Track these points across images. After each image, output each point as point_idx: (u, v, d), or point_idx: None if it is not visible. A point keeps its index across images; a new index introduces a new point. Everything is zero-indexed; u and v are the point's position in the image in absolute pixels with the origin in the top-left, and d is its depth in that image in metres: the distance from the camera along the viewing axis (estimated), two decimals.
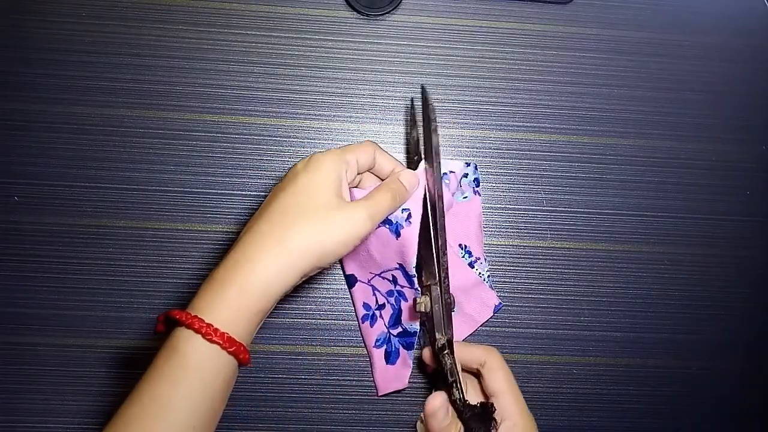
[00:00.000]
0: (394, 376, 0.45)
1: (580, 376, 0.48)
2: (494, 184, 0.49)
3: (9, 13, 0.48)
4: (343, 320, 0.47)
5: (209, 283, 0.35)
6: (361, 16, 0.50)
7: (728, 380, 0.49)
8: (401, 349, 0.45)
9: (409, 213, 0.41)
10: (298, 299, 0.47)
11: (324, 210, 0.36)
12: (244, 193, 0.47)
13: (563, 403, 0.47)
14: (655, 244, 0.49)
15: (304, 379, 0.46)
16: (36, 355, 0.45)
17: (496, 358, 0.41)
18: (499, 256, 0.48)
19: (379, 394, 0.46)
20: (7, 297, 0.45)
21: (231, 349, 0.33)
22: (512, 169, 0.49)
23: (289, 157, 0.48)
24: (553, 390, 0.47)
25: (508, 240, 0.48)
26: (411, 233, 0.41)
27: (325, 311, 0.47)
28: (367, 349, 0.46)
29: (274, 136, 0.48)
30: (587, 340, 0.48)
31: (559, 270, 0.48)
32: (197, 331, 0.33)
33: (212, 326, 0.33)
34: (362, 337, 0.46)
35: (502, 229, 0.48)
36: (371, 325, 0.46)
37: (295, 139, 0.48)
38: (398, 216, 0.41)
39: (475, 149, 0.49)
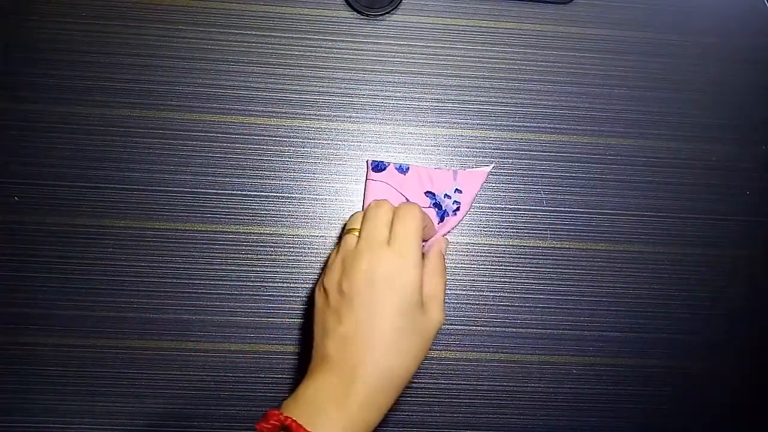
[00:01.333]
0: None
1: (580, 376, 0.48)
2: (494, 184, 0.49)
3: (9, 13, 0.48)
4: None
5: (326, 397, 0.36)
6: (361, 16, 0.50)
7: (728, 380, 0.49)
8: None
9: (459, 205, 0.47)
10: (298, 299, 0.47)
11: (411, 325, 0.38)
12: (244, 193, 0.47)
13: (563, 403, 0.47)
14: (655, 244, 0.49)
15: None
16: (36, 355, 0.45)
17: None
18: (499, 256, 0.48)
19: None
20: (7, 297, 0.45)
21: None
22: (512, 169, 0.49)
23: (289, 157, 0.48)
24: (553, 390, 0.47)
25: (508, 240, 0.48)
26: (452, 223, 0.47)
27: None
28: None
29: (274, 136, 0.48)
30: (587, 340, 0.48)
31: (559, 270, 0.48)
32: None
33: None
34: None
35: (502, 229, 0.48)
36: None
37: (295, 139, 0.48)
38: (448, 204, 0.47)
39: (475, 149, 0.49)
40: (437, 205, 0.47)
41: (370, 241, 0.39)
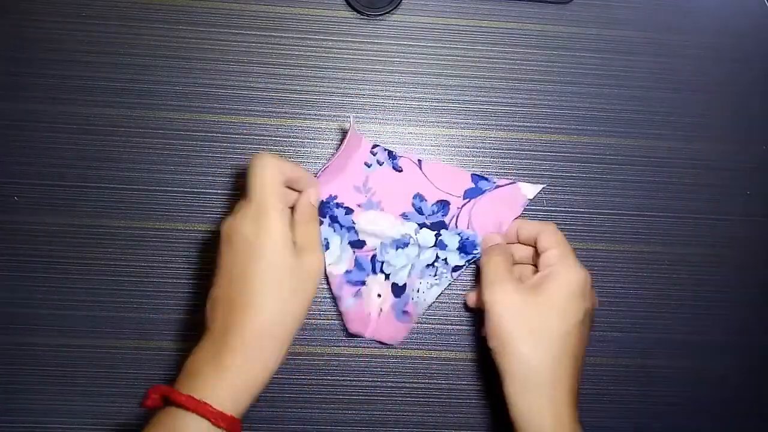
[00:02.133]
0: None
1: None
2: None
3: (9, 13, 0.48)
4: (344, 320, 0.47)
5: (201, 362, 0.36)
6: (361, 16, 0.50)
7: (728, 380, 0.49)
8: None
9: (389, 152, 0.48)
10: None
11: (282, 278, 0.38)
12: None
13: None
14: (655, 244, 0.49)
15: (304, 379, 0.46)
16: (36, 355, 0.45)
17: (549, 231, 0.43)
18: None
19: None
20: (7, 297, 0.45)
21: (225, 426, 0.35)
22: (512, 169, 0.49)
23: (289, 157, 0.48)
24: None
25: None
26: (409, 164, 0.48)
27: (325, 311, 0.47)
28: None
29: (274, 136, 0.48)
30: None
31: None
32: (204, 416, 0.34)
33: (220, 411, 0.35)
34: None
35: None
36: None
37: (295, 139, 0.48)
38: (383, 158, 0.48)
39: (475, 149, 0.49)
40: (419, 211, 0.47)
41: (235, 211, 0.39)
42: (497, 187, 0.48)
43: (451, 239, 0.47)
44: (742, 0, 0.53)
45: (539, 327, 0.39)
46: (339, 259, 0.46)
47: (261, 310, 0.37)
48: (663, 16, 0.52)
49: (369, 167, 0.47)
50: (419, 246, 0.47)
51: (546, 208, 0.49)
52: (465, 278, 0.48)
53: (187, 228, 0.47)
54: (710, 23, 0.53)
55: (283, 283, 0.37)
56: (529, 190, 0.48)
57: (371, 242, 0.47)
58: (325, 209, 0.46)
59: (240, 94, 0.48)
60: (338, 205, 0.46)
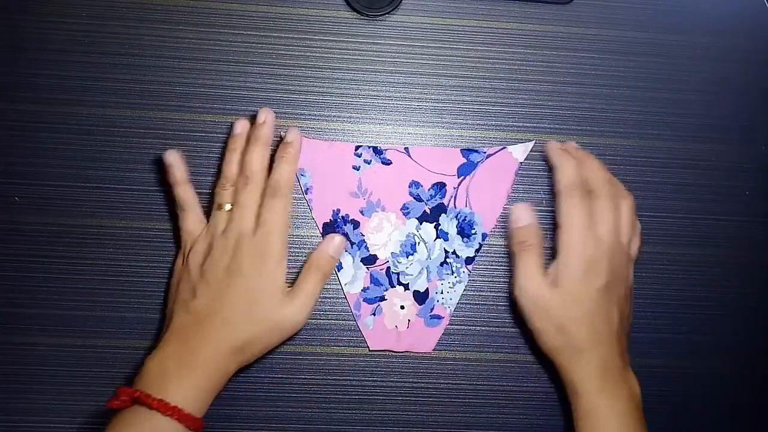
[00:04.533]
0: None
1: None
2: None
3: (9, 13, 0.48)
4: (343, 320, 0.47)
5: (168, 363, 0.39)
6: (361, 16, 0.50)
7: (728, 380, 0.49)
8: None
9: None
10: None
11: (264, 318, 0.41)
12: None
13: (563, 403, 0.47)
14: (655, 244, 0.49)
15: (304, 379, 0.46)
16: (36, 355, 0.45)
17: (562, 198, 0.45)
18: (499, 256, 0.48)
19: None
20: (7, 297, 0.45)
21: (193, 427, 0.38)
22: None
23: None
24: (553, 390, 0.47)
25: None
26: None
27: (325, 311, 0.47)
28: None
29: (274, 136, 0.48)
30: None
31: None
32: (174, 419, 0.37)
33: (178, 408, 0.37)
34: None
35: (504, 230, 0.48)
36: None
37: None
38: (369, 155, 0.48)
39: None
40: (417, 198, 0.47)
41: (235, 232, 0.42)
42: (488, 156, 0.48)
43: (449, 225, 0.47)
44: (742, 0, 0.53)
45: (564, 320, 0.42)
46: (354, 278, 0.46)
47: (230, 329, 0.40)
48: (663, 16, 0.52)
49: (358, 169, 0.47)
50: (425, 243, 0.47)
51: (546, 208, 0.49)
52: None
53: None
54: (710, 23, 0.53)
55: (264, 323, 0.41)
56: (520, 151, 0.48)
57: (382, 254, 0.47)
58: (336, 229, 0.47)
59: (240, 94, 0.48)
60: (345, 220, 0.47)
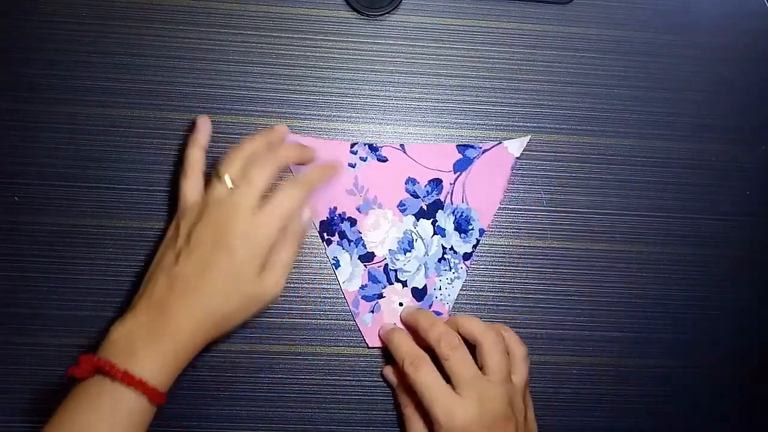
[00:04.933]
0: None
1: (580, 376, 0.48)
2: None
3: (9, 13, 0.48)
4: (343, 320, 0.47)
5: (134, 333, 0.37)
6: (361, 16, 0.50)
7: (728, 380, 0.49)
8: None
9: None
10: (298, 299, 0.47)
11: (241, 289, 0.39)
12: None
13: (563, 403, 0.47)
14: (655, 244, 0.49)
15: (304, 379, 0.46)
16: (36, 355, 0.45)
17: (486, 348, 0.41)
18: (499, 256, 0.48)
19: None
20: (7, 297, 0.45)
21: (156, 402, 0.36)
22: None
23: None
24: (553, 390, 0.47)
25: (508, 240, 0.48)
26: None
27: (325, 311, 0.47)
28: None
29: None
30: (587, 340, 0.48)
31: (559, 270, 0.48)
32: (139, 391, 0.35)
33: (143, 381, 0.35)
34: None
35: (502, 229, 0.48)
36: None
37: None
38: (365, 153, 0.48)
39: None
40: (414, 195, 0.48)
41: (239, 200, 0.40)
42: (484, 151, 0.48)
43: (446, 221, 0.47)
44: (742, 0, 0.53)
45: None
46: (351, 276, 0.46)
47: (210, 301, 0.38)
48: (663, 16, 0.52)
49: (354, 167, 0.47)
50: (422, 239, 0.47)
51: (546, 208, 0.49)
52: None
53: None
54: (710, 23, 0.53)
55: (241, 293, 0.39)
56: (515, 146, 0.49)
57: (380, 252, 0.47)
58: (333, 227, 0.47)
59: (240, 94, 0.48)
60: (341, 218, 0.47)
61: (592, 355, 0.48)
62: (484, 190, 0.48)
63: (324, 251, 0.47)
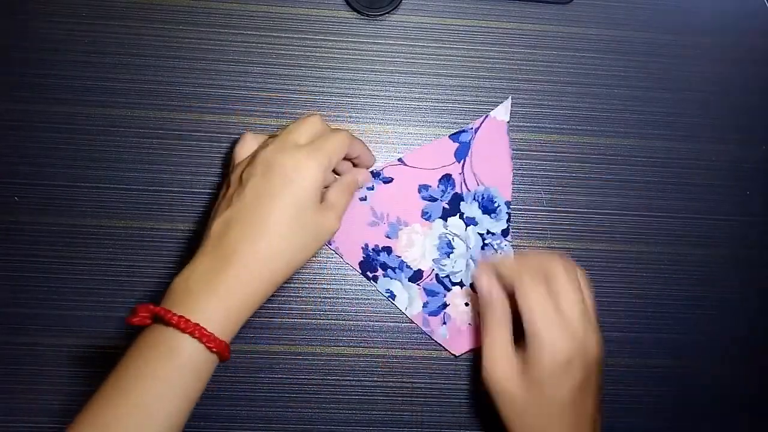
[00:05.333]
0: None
1: None
2: None
3: (9, 13, 0.48)
4: (343, 320, 0.47)
5: (194, 282, 0.35)
6: (361, 16, 0.50)
7: (728, 380, 0.49)
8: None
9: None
10: (298, 299, 0.47)
11: (301, 220, 0.37)
12: None
13: None
14: (655, 244, 0.49)
15: (304, 379, 0.46)
16: (36, 355, 0.45)
17: (522, 290, 0.40)
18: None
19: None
20: (7, 297, 0.45)
21: (216, 349, 0.34)
22: (512, 169, 0.49)
23: None
24: None
25: (508, 240, 0.48)
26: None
27: (325, 311, 0.47)
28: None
29: None
30: None
31: None
32: (197, 338, 0.34)
33: (200, 326, 0.34)
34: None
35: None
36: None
37: None
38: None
39: None
40: (431, 199, 0.48)
41: (285, 139, 0.39)
42: (476, 130, 0.48)
43: (472, 209, 0.47)
44: (742, 0, 0.53)
45: (535, 419, 0.40)
46: (410, 300, 0.47)
47: (273, 240, 0.36)
48: (663, 17, 0.52)
49: (365, 200, 0.47)
50: (458, 236, 0.47)
51: (546, 208, 0.49)
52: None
53: (187, 228, 0.47)
54: (710, 23, 0.53)
55: (300, 225, 0.37)
56: (502, 112, 0.49)
57: (425, 266, 0.47)
58: (373, 262, 0.47)
59: (240, 94, 0.48)
60: (377, 251, 0.47)
61: None
62: (493, 165, 0.48)
63: (324, 252, 0.47)
